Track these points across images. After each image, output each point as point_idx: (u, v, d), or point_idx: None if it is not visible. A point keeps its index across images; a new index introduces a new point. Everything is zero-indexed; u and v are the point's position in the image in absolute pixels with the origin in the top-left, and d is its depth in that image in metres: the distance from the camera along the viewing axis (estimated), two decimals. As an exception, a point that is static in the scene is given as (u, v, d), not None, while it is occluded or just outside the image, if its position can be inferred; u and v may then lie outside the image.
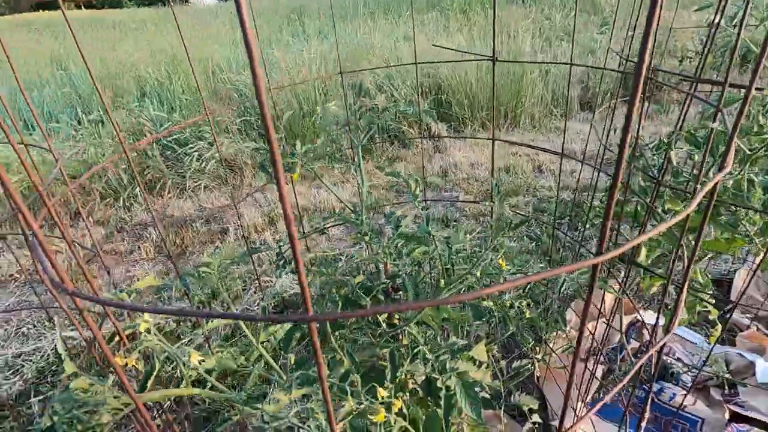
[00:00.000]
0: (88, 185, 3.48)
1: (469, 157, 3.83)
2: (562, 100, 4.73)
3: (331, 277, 0.91)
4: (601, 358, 1.70)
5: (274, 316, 0.28)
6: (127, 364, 0.45)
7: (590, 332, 1.78)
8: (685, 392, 1.48)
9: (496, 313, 0.86)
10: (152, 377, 0.50)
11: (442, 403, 0.85)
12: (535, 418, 1.17)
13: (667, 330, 0.68)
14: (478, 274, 0.75)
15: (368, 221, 0.97)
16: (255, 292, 2.28)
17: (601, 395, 1.56)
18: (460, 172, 3.57)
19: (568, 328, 1.69)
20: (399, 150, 4.12)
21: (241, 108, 4.02)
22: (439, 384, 0.81)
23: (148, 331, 0.48)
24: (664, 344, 1.62)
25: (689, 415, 1.41)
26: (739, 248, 0.99)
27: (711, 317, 1.22)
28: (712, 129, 0.67)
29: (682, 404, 1.45)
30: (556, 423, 1.44)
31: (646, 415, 0.80)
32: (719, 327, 1.23)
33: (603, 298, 1.69)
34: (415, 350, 0.79)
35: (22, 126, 4.16)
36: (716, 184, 0.51)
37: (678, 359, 1.63)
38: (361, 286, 0.88)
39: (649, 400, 1.49)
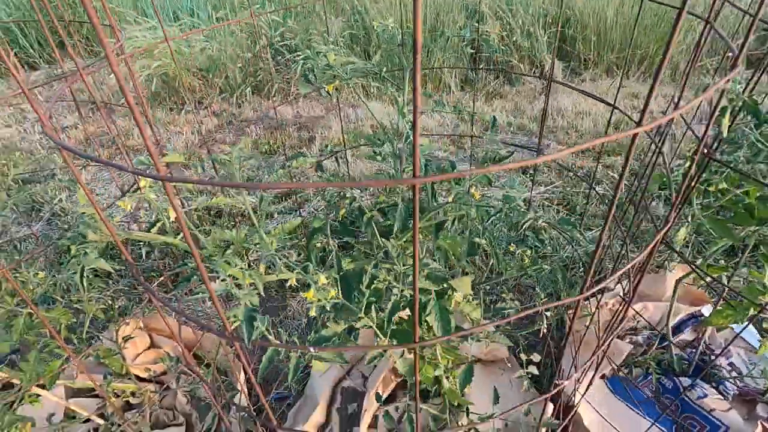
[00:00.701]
0: (211, 79, 3.91)
1: (578, 104, 3.44)
2: (722, 52, 3.86)
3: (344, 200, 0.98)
4: (640, 339, 1.60)
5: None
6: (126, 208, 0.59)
7: (636, 312, 1.66)
8: (719, 395, 1.35)
9: (487, 249, 0.87)
10: (156, 226, 0.64)
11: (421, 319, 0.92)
12: (531, 369, 1.19)
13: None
14: (450, 199, 0.76)
15: (400, 145, 1.00)
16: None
17: (623, 372, 1.50)
18: (562, 120, 3.25)
19: (604, 300, 1.60)
20: (502, 86, 3.84)
21: (351, 18, 4.02)
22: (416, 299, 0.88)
23: (150, 186, 0.61)
24: (705, 342, 1.46)
25: (714, 420, 1.30)
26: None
27: (766, 325, 1.07)
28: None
29: (711, 408, 1.33)
30: (560, 381, 1.44)
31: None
32: (774, 338, 1.08)
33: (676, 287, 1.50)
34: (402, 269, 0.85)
35: (165, 18, 4.68)
36: None
37: (730, 364, 1.46)
38: (360, 211, 0.95)
39: (676, 391, 1.39)
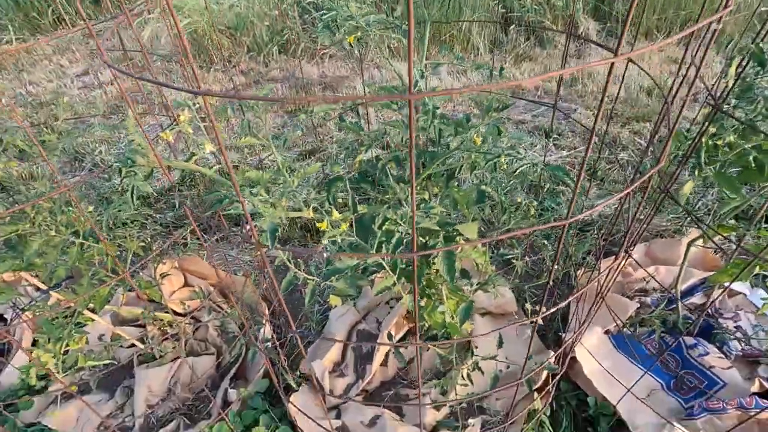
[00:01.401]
0: (239, 37, 3.94)
1: (577, 69, 3.31)
2: (749, 17, 3.59)
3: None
4: (649, 300, 1.63)
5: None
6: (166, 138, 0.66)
7: (649, 274, 1.69)
8: (721, 355, 1.39)
9: (495, 199, 0.92)
10: (193, 158, 0.72)
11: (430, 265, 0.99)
12: (537, 318, 1.26)
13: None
14: (454, 144, 0.80)
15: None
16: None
17: (629, 330, 1.55)
18: (592, 84, 3.15)
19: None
20: (533, 48, 3.72)
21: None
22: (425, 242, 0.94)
23: (188, 121, 0.69)
24: (712, 304, 1.50)
25: (712, 375, 1.34)
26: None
27: (770, 284, 1.09)
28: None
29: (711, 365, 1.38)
30: (564, 335, 1.50)
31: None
32: (777, 297, 1.10)
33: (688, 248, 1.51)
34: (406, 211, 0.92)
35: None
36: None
37: (738, 327, 1.49)
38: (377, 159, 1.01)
39: (679, 349, 1.44)
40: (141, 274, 1.57)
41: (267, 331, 1.48)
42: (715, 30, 0.48)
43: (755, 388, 1.29)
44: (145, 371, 1.48)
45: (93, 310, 1.41)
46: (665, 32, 3.76)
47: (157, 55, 3.65)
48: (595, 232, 1.84)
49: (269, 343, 1.37)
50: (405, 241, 0.81)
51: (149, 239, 1.49)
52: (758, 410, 1.18)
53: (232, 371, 1.49)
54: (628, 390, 1.23)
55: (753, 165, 0.89)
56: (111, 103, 3.38)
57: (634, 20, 3.73)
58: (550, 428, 1.26)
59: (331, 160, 2.22)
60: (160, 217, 2.06)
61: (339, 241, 0.66)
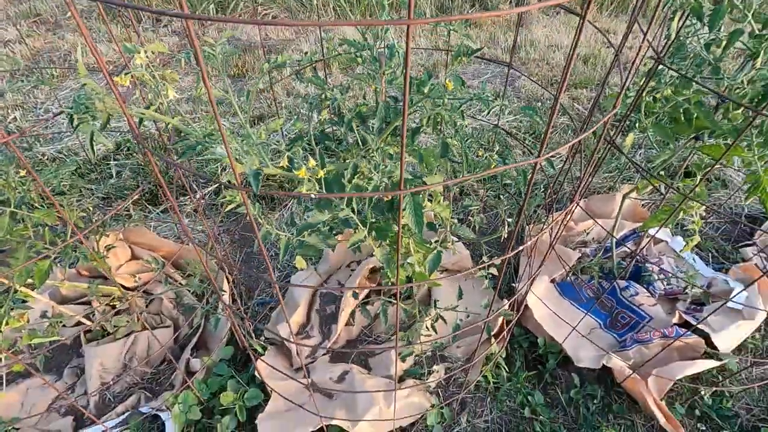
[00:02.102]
0: (169, -7, 3.60)
1: (550, 36, 3.45)
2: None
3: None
4: (588, 251, 1.79)
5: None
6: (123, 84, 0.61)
7: (585, 229, 1.84)
8: (648, 294, 1.57)
9: (458, 157, 0.95)
10: (151, 107, 0.67)
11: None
12: (492, 271, 1.34)
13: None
14: (426, 90, 0.82)
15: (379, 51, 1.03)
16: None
17: (571, 278, 1.70)
18: (534, 52, 3.27)
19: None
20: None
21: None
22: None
23: (144, 65, 0.63)
24: (641, 250, 1.65)
25: (641, 312, 1.52)
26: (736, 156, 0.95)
27: (691, 227, 1.24)
28: None
29: (640, 303, 1.56)
30: (517, 285, 1.62)
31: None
32: (696, 237, 1.25)
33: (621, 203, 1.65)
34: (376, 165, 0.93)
35: None
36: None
37: (661, 270, 1.68)
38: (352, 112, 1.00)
39: (613, 291, 1.60)
40: (84, 246, 1.46)
41: (226, 299, 1.45)
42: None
43: (675, 319, 1.48)
44: (96, 348, 1.40)
45: (31, 286, 1.29)
46: (597, 3, 3.95)
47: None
48: (541, 189, 1.96)
49: (229, 311, 1.35)
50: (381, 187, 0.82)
51: (90, 209, 1.37)
52: (676, 337, 1.36)
53: (193, 341, 1.45)
54: (573, 328, 1.36)
55: (683, 118, 0.99)
56: (20, 64, 2.99)
57: (571, -10, 3.89)
58: (506, 368, 1.37)
59: (293, 118, 2.15)
60: (97, 188, 1.90)
61: (314, 195, 0.66)
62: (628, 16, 3.82)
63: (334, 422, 1.18)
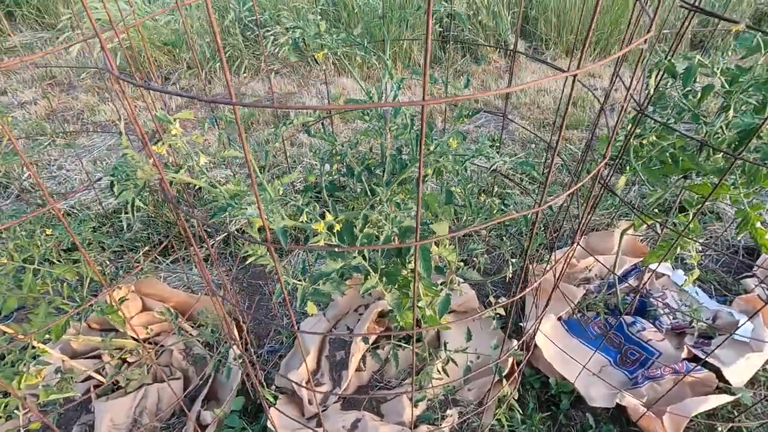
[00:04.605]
0: (178, 54, 3.83)
1: (540, 82, 3.64)
2: (671, 34, 4.16)
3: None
4: (592, 287, 1.81)
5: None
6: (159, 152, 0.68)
7: (587, 266, 1.88)
8: (655, 329, 1.59)
9: (461, 201, 1.01)
10: (183, 169, 0.73)
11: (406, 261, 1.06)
12: (499, 310, 1.37)
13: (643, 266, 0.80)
14: (432, 147, 0.89)
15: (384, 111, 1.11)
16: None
17: (577, 316, 1.71)
18: (525, 97, 3.44)
19: (563, 255, 1.80)
20: (469, 65, 3.99)
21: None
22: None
23: (176, 135, 0.70)
24: (644, 284, 1.69)
25: (650, 348, 1.53)
26: (725, 195, 1.01)
27: (689, 261, 1.28)
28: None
29: (648, 339, 1.56)
30: (524, 324, 1.63)
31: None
32: (696, 271, 1.29)
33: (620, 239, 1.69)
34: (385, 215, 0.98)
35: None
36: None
37: (666, 304, 1.70)
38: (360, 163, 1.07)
39: (621, 327, 1.61)
40: (96, 302, 1.48)
41: (236, 349, 1.45)
42: (642, 49, 0.60)
43: (684, 354, 1.49)
44: (106, 403, 1.39)
45: (45, 342, 1.31)
46: (582, 49, 4.19)
47: (89, 69, 3.44)
48: (542, 228, 2.01)
49: (242, 359, 1.36)
50: (392, 237, 0.87)
51: (105, 264, 1.42)
52: (687, 372, 1.36)
53: (203, 393, 1.44)
54: (584, 367, 1.36)
55: (670, 160, 1.06)
56: (35, 124, 3.13)
57: (555, 39, 4.14)
58: (520, 410, 1.36)
59: (305, 172, 2.24)
60: (110, 242, 1.95)
61: (336, 250, 0.71)
62: (612, 65, 4.03)
63: (349, 473, 1.16)
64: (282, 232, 0.59)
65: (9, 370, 1.06)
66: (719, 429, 1.31)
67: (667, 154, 0.99)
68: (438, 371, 1.30)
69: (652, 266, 1.91)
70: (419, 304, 1.09)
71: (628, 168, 1.00)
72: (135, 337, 1.57)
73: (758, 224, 0.94)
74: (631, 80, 0.71)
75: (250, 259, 0.82)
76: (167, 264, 1.95)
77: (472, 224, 1.15)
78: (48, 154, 2.79)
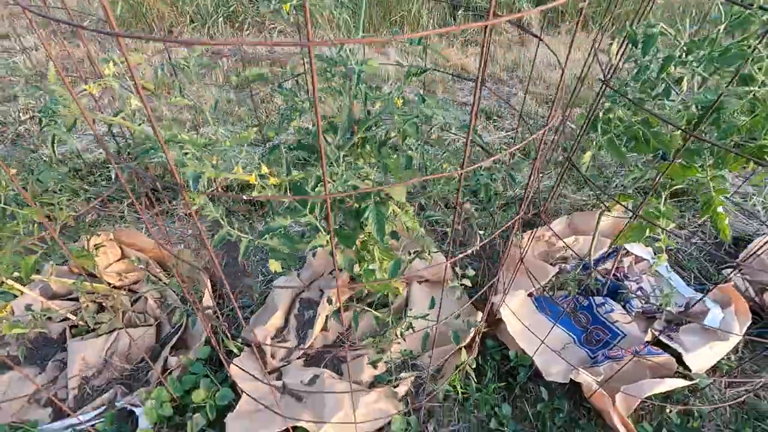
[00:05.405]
0: (181, 6, 3.75)
1: (549, 55, 3.51)
2: (696, 9, 3.94)
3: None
4: (568, 267, 1.80)
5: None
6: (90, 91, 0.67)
7: (566, 245, 1.86)
8: (624, 311, 1.58)
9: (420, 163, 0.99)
10: (119, 115, 0.73)
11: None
12: (465, 281, 1.37)
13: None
14: (376, 106, 0.87)
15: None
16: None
17: (549, 293, 1.71)
18: (532, 70, 3.32)
19: (546, 234, 1.78)
20: (479, 34, 3.84)
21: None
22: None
23: (114, 75, 0.69)
24: (618, 267, 1.67)
25: (615, 329, 1.53)
26: (692, 177, 0.98)
27: (658, 245, 1.26)
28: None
29: (615, 320, 1.56)
30: (494, 297, 1.64)
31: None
32: (664, 256, 1.27)
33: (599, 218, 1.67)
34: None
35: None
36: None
37: (640, 288, 1.69)
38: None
39: (590, 307, 1.60)
40: (74, 244, 1.52)
41: (207, 299, 1.49)
42: (581, 9, 0.57)
43: (648, 338, 1.49)
44: (79, 343, 1.45)
45: (19, 280, 1.35)
46: (600, 22, 4.00)
47: (90, 15, 3.39)
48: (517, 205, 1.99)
49: (210, 310, 1.39)
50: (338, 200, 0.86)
51: (80, 209, 1.44)
52: (647, 355, 1.36)
53: (173, 340, 1.49)
54: (542, 342, 1.37)
55: (642, 138, 1.03)
56: (36, 70, 3.13)
57: (572, 11, 3.95)
58: (476, 379, 1.39)
59: (267, 127, 2.22)
60: (94, 189, 1.98)
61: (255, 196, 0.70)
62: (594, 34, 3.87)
63: (299, 424, 1.21)
64: (194, 176, 0.59)
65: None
66: (668, 410, 1.33)
67: (639, 131, 0.96)
68: (396, 336, 1.32)
69: (635, 249, 1.89)
70: (371, 267, 1.09)
71: (594, 144, 0.97)
72: (110, 282, 1.62)
73: (720, 209, 0.92)
74: (591, 48, 0.67)
75: (201, 212, 0.82)
76: (149, 217, 1.98)
77: (433, 189, 1.14)
78: (45, 101, 2.80)
